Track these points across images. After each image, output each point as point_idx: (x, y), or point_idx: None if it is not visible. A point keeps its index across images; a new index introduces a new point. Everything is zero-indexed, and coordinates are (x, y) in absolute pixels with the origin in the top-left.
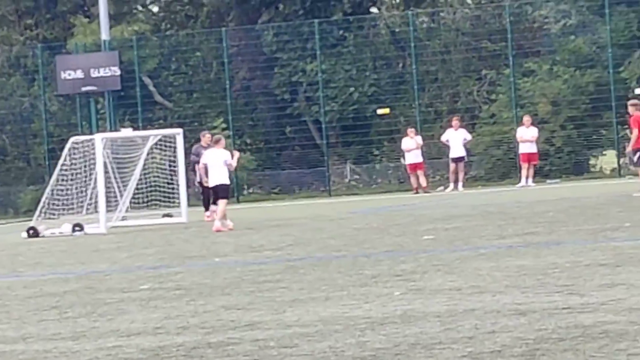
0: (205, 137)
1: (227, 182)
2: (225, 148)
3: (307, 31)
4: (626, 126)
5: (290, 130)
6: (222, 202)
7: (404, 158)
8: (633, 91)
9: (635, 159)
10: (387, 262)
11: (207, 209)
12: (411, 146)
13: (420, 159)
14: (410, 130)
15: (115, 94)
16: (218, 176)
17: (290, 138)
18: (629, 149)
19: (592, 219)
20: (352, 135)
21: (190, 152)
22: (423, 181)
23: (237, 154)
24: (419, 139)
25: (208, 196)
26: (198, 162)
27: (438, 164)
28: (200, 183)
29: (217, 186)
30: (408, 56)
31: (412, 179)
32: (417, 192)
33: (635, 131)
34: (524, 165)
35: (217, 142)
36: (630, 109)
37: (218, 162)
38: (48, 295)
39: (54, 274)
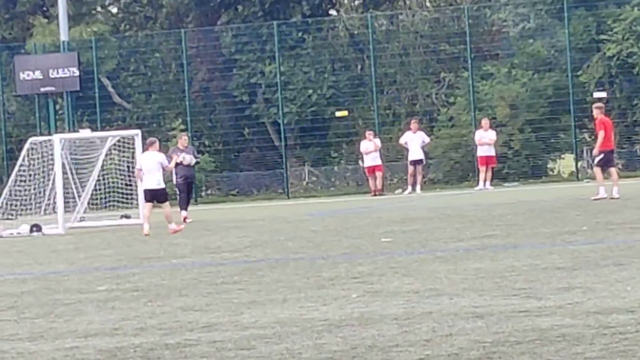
0: (182, 139)
1: (163, 185)
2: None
3: (266, 33)
4: (584, 130)
5: (248, 131)
6: (165, 205)
7: (362, 160)
8: (592, 95)
9: (597, 160)
10: (344, 264)
11: (184, 208)
12: (370, 148)
13: (379, 162)
14: (369, 133)
15: (74, 94)
16: (153, 180)
17: (249, 140)
18: (595, 151)
19: (550, 223)
20: (311, 137)
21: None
22: (379, 184)
23: (187, 157)
24: (377, 142)
25: (186, 196)
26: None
27: (396, 167)
28: (177, 186)
29: (153, 191)
30: (367, 58)
31: (371, 182)
32: (375, 195)
33: (601, 133)
34: (482, 169)
35: (151, 144)
36: (595, 112)
37: (153, 166)
38: (5, 296)
39: (12, 274)
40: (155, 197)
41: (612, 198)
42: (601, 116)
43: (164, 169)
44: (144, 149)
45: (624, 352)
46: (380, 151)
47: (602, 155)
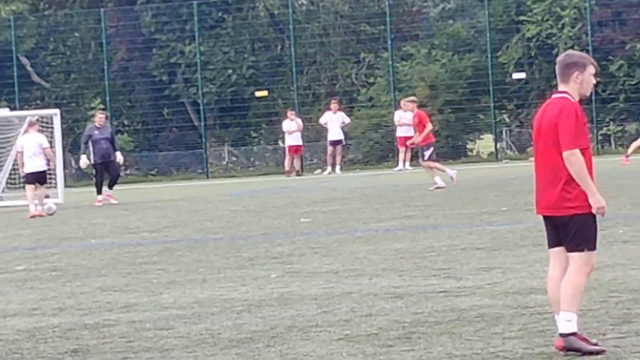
0: (98, 117)
1: (44, 167)
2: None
3: (186, 12)
4: (504, 111)
5: (168, 111)
6: (42, 187)
7: (282, 140)
8: (511, 76)
9: (427, 155)
10: (264, 244)
11: (99, 192)
12: (292, 128)
13: (300, 142)
14: (291, 113)
15: None
16: (34, 162)
17: (168, 119)
18: (417, 140)
19: (469, 203)
20: (230, 118)
21: (82, 133)
22: (297, 164)
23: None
24: (299, 121)
25: (101, 179)
26: (87, 143)
27: (316, 147)
28: (94, 166)
29: (34, 173)
30: (287, 38)
31: (287, 161)
32: (289, 175)
33: (429, 126)
34: (402, 149)
35: (31, 125)
36: (411, 106)
37: (33, 148)
38: None
39: None
40: (37, 179)
41: (438, 187)
42: (417, 110)
43: (44, 151)
44: (25, 131)
45: (542, 332)
46: (302, 131)
47: (431, 149)
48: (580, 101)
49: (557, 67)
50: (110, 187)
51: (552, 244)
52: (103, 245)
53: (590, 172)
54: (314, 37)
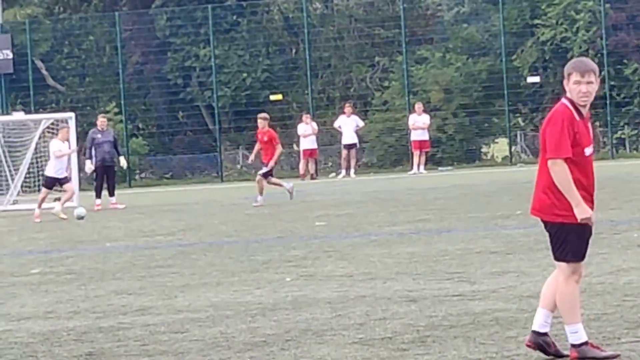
0: (100, 121)
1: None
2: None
3: (201, 16)
4: (518, 114)
5: (182, 115)
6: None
7: (297, 144)
8: (526, 79)
9: (265, 171)
10: (278, 248)
11: (98, 195)
12: (307, 131)
13: (315, 145)
14: (306, 116)
15: (7, 77)
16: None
17: (183, 123)
18: (272, 163)
19: (484, 207)
20: (245, 121)
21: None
22: (312, 168)
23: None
24: (314, 125)
25: (101, 183)
26: (91, 147)
27: (330, 151)
28: (95, 169)
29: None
30: (301, 42)
31: (302, 165)
32: (304, 179)
33: (279, 147)
34: (416, 153)
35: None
36: (261, 123)
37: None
38: None
39: None
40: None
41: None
42: (267, 128)
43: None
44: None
45: (556, 336)
46: (317, 135)
47: (271, 168)
48: (594, 105)
49: None
50: (111, 194)
51: None
52: (118, 249)
53: (591, 178)
54: (328, 41)
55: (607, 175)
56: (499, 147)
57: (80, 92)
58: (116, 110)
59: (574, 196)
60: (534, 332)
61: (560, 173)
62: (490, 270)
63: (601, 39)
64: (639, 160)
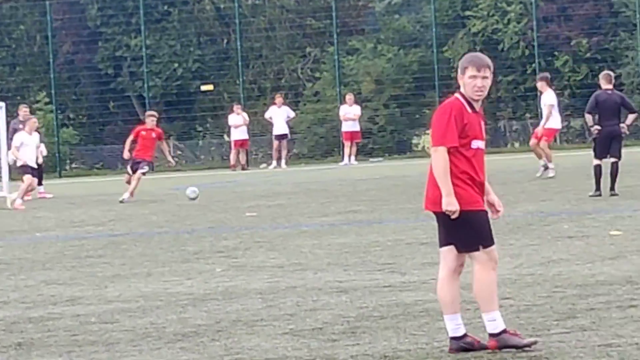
0: (22, 111)
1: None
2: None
3: (132, 5)
4: None
5: (113, 105)
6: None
7: (228, 134)
8: (456, 71)
9: (145, 169)
10: (209, 238)
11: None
12: (239, 122)
13: (246, 136)
14: (237, 107)
15: None
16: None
17: (114, 113)
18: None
19: (414, 198)
20: (176, 111)
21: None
22: (243, 158)
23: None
24: (245, 116)
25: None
26: (12, 138)
27: (261, 141)
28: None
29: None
30: (232, 32)
31: (233, 155)
32: (234, 169)
33: (164, 144)
34: (347, 144)
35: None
36: (149, 121)
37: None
38: None
39: None
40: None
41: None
42: (152, 125)
43: None
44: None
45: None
46: (248, 125)
47: (146, 168)
48: (526, 97)
49: None
50: (39, 183)
51: (442, 243)
52: (48, 239)
53: (483, 171)
54: (259, 31)
55: (538, 166)
56: (430, 138)
57: (11, 82)
58: (47, 100)
59: (446, 185)
60: (452, 338)
61: (439, 160)
62: (421, 261)
63: (532, 30)
64: (570, 151)
